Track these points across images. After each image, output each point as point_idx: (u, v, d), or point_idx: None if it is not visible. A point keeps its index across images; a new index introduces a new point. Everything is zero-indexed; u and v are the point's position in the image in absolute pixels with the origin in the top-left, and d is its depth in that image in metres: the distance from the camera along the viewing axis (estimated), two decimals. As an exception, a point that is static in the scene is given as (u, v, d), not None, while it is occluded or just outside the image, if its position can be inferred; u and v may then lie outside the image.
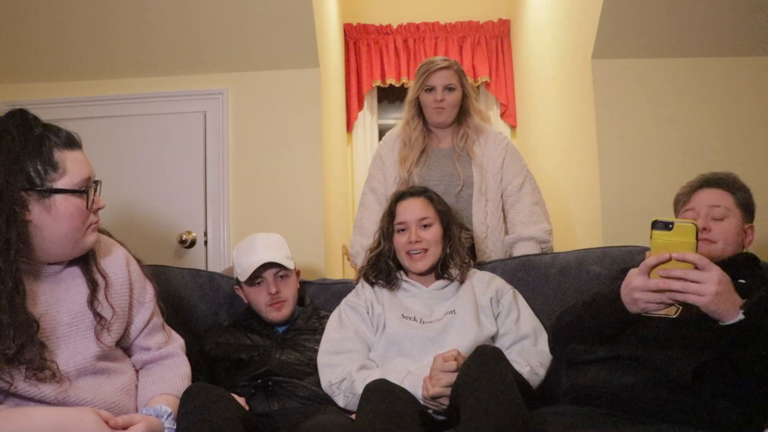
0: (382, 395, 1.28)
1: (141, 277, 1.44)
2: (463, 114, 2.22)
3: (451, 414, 1.37)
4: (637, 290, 1.20)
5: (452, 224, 1.84)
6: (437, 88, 2.15)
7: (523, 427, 1.14)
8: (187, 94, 3.03)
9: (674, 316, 1.30)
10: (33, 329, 1.17)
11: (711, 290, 1.12)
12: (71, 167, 1.22)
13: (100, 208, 1.30)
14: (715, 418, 1.20)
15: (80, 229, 1.25)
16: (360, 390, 1.38)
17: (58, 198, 1.21)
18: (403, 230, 1.79)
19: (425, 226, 1.78)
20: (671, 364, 1.26)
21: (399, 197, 1.85)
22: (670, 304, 1.21)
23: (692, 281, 1.14)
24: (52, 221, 1.20)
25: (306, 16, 2.79)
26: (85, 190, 1.24)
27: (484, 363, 1.28)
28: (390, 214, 1.84)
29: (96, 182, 1.29)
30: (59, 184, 1.21)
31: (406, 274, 1.83)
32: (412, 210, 1.80)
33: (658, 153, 2.84)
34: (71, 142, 1.25)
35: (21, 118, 1.21)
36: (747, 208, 1.60)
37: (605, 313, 1.34)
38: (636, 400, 1.26)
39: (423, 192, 1.85)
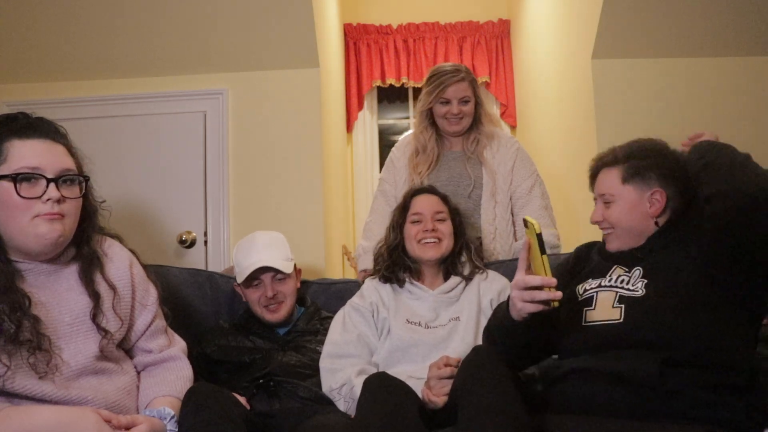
0: (382, 388, 1.28)
1: (144, 279, 1.44)
2: (475, 122, 2.23)
3: (449, 411, 1.36)
4: (513, 288, 1.21)
5: (463, 224, 1.88)
6: (453, 101, 2.15)
7: (521, 428, 1.13)
8: (187, 94, 3.02)
9: (555, 306, 1.19)
10: (26, 304, 1.18)
11: None
12: (14, 155, 1.20)
13: (49, 199, 1.22)
14: (720, 415, 1.16)
15: (21, 218, 1.21)
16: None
17: None
18: (417, 221, 1.81)
19: (440, 219, 1.81)
20: (632, 370, 1.18)
21: (414, 193, 1.89)
22: (541, 301, 1.17)
23: None
24: None
25: (306, 16, 2.79)
26: (15, 175, 1.19)
27: (481, 363, 1.27)
28: (404, 207, 1.86)
29: (64, 177, 1.24)
30: None
31: (413, 276, 1.83)
32: (429, 203, 1.83)
33: (658, 153, 2.84)
34: (26, 131, 1.22)
35: None
36: (638, 176, 1.41)
37: (502, 325, 1.30)
38: (602, 410, 1.18)
39: (437, 191, 1.91)
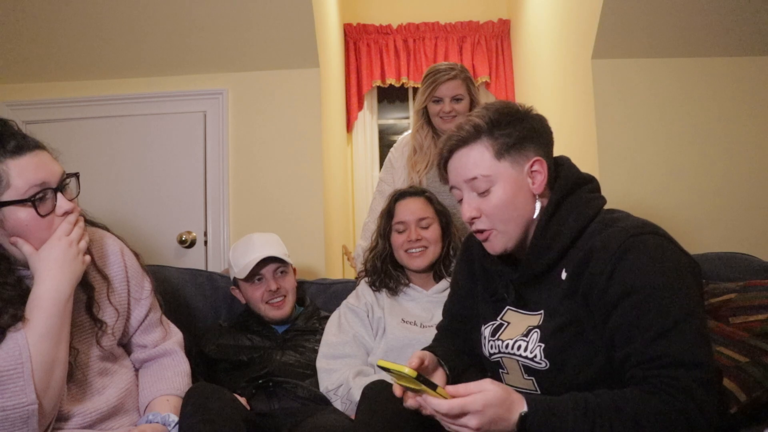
0: (381, 396, 1.27)
1: (138, 271, 1.41)
2: None
3: None
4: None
5: (450, 223, 1.85)
6: (445, 99, 2.16)
7: None
8: (187, 94, 3.02)
9: None
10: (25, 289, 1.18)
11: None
12: (16, 177, 1.13)
13: (66, 212, 1.20)
14: None
15: (45, 235, 1.18)
16: (356, 397, 1.38)
17: (5, 211, 1.14)
18: (402, 230, 1.79)
19: (424, 226, 1.78)
20: None
21: (398, 197, 1.86)
22: None
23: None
24: (8, 235, 1.15)
25: (306, 16, 2.79)
26: (31, 198, 1.15)
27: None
28: (388, 213, 1.84)
29: (59, 186, 1.19)
30: (5, 197, 1.13)
31: (407, 277, 1.83)
32: (412, 210, 1.80)
33: (658, 153, 2.84)
34: (18, 149, 1.14)
35: None
36: (514, 147, 1.18)
37: None
38: None
39: (422, 192, 1.87)
